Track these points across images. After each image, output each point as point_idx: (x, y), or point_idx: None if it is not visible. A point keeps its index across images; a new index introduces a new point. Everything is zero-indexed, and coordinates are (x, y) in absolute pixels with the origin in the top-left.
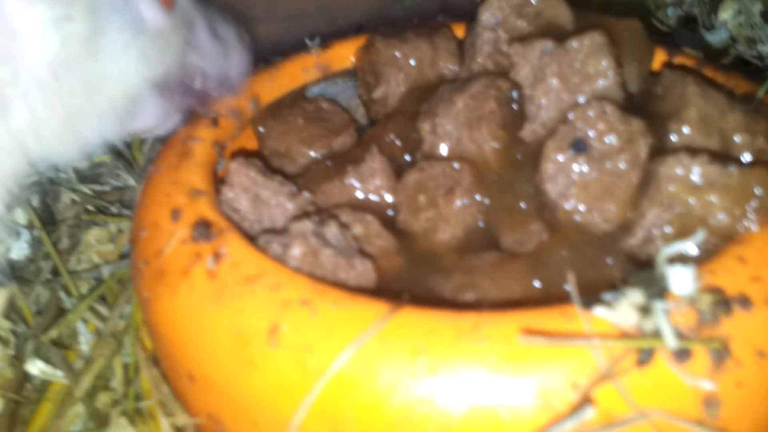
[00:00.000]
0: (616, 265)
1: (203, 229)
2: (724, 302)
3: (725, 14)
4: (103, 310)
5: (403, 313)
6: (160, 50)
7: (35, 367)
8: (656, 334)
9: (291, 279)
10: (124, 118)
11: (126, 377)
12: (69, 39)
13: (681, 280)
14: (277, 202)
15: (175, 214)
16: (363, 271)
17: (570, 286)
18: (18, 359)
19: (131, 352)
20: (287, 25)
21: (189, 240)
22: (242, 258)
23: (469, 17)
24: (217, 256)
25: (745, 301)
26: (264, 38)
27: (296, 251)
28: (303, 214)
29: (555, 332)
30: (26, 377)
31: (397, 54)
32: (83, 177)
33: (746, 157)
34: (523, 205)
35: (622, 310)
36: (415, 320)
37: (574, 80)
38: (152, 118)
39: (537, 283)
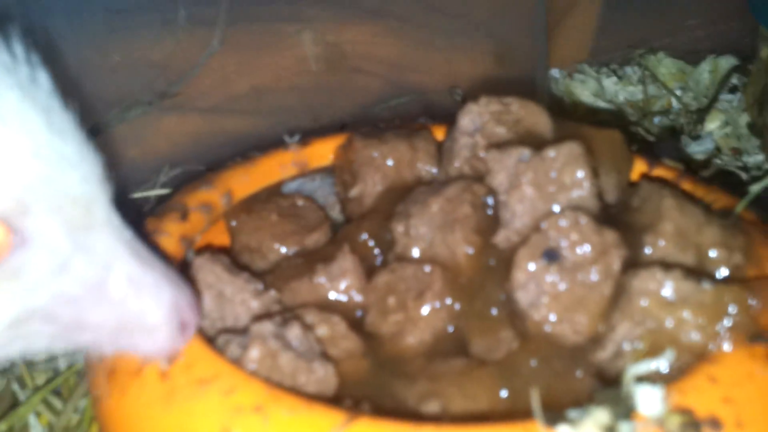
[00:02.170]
0: (586, 378)
1: None
2: (693, 424)
3: (712, 125)
4: (58, 403)
5: (359, 423)
6: None
7: None
8: None
9: (245, 383)
10: None
11: None
12: None
13: (649, 400)
14: (242, 300)
15: None
16: (323, 376)
17: (534, 403)
18: None
19: None
20: (271, 120)
21: None
22: (196, 359)
23: (451, 120)
24: (170, 357)
25: (715, 424)
26: (247, 132)
27: (254, 353)
28: (265, 315)
29: None
30: None
31: (375, 154)
32: None
33: (722, 273)
34: (494, 311)
35: (587, 430)
36: (372, 431)
37: (549, 189)
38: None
39: (504, 393)
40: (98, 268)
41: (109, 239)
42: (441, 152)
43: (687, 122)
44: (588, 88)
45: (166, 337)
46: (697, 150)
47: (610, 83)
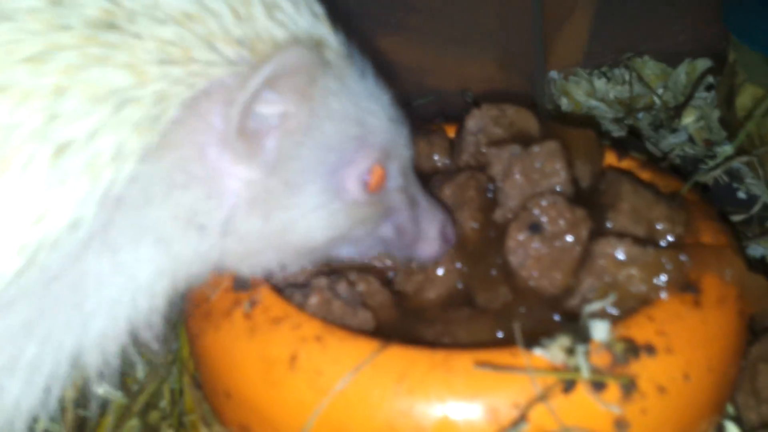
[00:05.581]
0: (561, 320)
1: (242, 281)
2: (633, 349)
3: (687, 119)
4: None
5: (391, 349)
6: (350, 218)
7: (101, 389)
8: (577, 369)
9: (308, 320)
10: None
11: (172, 399)
12: (259, 196)
13: (599, 330)
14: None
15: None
16: (364, 319)
17: (516, 333)
18: (86, 382)
19: (177, 379)
20: None
21: (231, 290)
22: (272, 304)
23: (461, 120)
24: (252, 303)
25: (650, 349)
26: None
27: (314, 300)
28: (320, 272)
29: (502, 364)
30: (92, 396)
31: None
32: None
33: (668, 241)
34: (493, 272)
35: (554, 351)
36: (399, 354)
37: (534, 177)
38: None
39: (500, 333)
40: (412, 196)
41: (413, 178)
42: (452, 146)
43: (666, 117)
44: (582, 88)
45: (437, 246)
46: (673, 141)
47: (601, 84)
